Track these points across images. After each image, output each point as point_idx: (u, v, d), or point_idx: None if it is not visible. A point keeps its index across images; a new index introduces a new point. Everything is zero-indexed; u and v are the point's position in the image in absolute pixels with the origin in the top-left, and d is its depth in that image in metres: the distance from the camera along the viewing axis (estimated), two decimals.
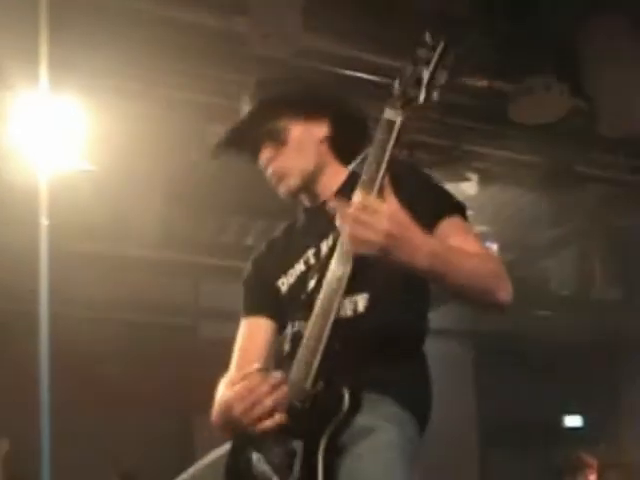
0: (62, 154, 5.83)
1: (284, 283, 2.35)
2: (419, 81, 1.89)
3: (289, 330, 2.28)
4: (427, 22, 5.55)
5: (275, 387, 1.94)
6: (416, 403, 2.15)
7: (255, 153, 2.34)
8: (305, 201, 2.42)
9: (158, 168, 6.75)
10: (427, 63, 1.90)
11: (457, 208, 2.22)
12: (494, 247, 7.97)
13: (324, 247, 2.25)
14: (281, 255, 2.41)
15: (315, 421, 1.93)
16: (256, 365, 2.07)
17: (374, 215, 1.82)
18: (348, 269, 1.93)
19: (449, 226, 2.15)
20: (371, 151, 1.91)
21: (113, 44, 5.11)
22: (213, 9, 5.12)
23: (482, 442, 10.63)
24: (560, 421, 11.43)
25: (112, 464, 7.63)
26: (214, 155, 2.46)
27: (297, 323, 2.23)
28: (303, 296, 2.22)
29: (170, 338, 8.77)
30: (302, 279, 2.28)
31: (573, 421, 11.47)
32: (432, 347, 2.29)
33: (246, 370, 2.05)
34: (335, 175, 2.37)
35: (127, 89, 5.50)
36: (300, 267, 2.32)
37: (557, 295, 9.59)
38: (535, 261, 9.28)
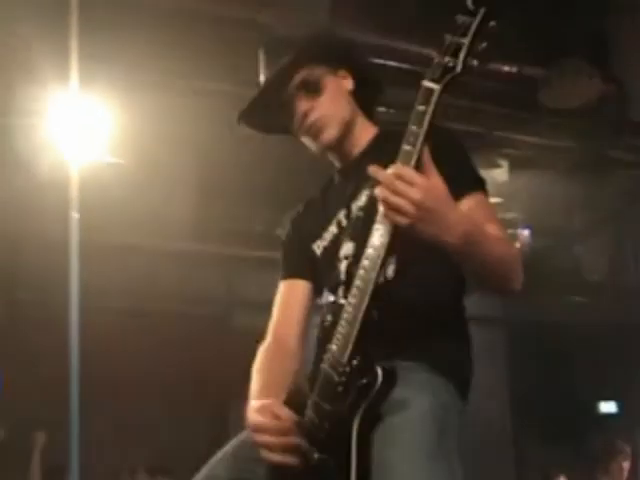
0: (92, 148, 5.86)
1: (319, 246, 2.36)
2: (458, 50, 1.86)
3: (326, 298, 2.28)
4: (457, 7, 5.55)
5: (289, 432, 1.99)
6: (452, 368, 2.14)
7: (289, 110, 2.33)
8: (336, 161, 2.42)
9: (188, 160, 6.77)
10: (466, 31, 1.86)
11: (482, 184, 2.22)
12: (525, 233, 7.93)
13: (354, 207, 2.25)
14: (317, 216, 2.41)
15: (350, 395, 1.93)
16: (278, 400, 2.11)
17: (410, 186, 1.80)
18: (387, 238, 1.89)
19: (474, 202, 2.14)
20: (410, 121, 1.87)
21: (142, 38, 5.14)
22: (241, 1, 5.13)
23: (516, 428, 10.60)
24: (595, 407, 11.36)
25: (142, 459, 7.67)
26: (241, 118, 2.47)
27: (334, 289, 2.22)
28: (336, 260, 2.23)
29: (203, 328, 8.80)
30: (335, 242, 2.29)
31: (608, 407, 11.39)
32: None
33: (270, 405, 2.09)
34: (364, 131, 2.38)
35: (156, 82, 5.53)
36: (333, 229, 2.32)
37: (590, 281, 9.53)
38: (567, 247, 9.23)
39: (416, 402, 1.96)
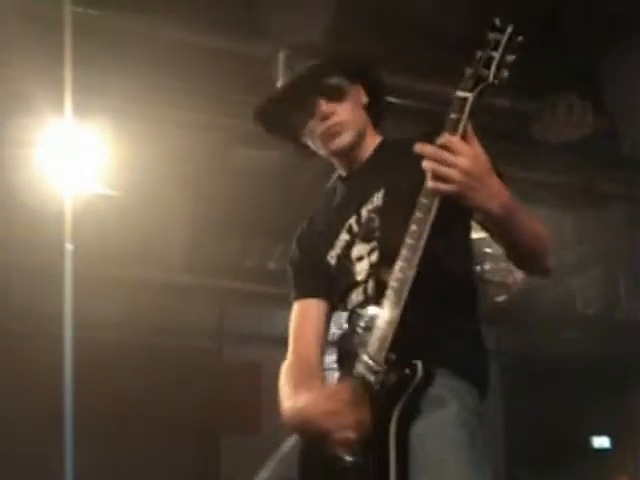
0: (86, 179, 5.86)
1: (333, 256, 2.37)
2: (489, 62, 1.96)
3: (345, 304, 2.30)
4: (452, 44, 5.58)
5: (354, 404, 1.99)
6: (474, 373, 2.18)
7: (308, 110, 2.37)
8: (340, 167, 2.47)
9: (182, 192, 6.77)
10: (496, 45, 1.97)
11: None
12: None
13: (364, 212, 2.30)
14: (324, 228, 2.44)
15: (387, 395, 1.96)
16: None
17: (457, 154, 1.89)
18: (431, 218, 1.95)
19: None
20: (445, 128, 1.96)
21: (137, 70, 5.15)
22: (233, 33, 5.16)
23: (509, 462, 10.55)
24: (588, 442, 11.32)
25: None
26: (257, 115, 2.49)
27: (348, 291, 2.27)
28: (349, 264, 2.28)
29: (195, 361, 8.77)
30: (347, 248, 2.32)
31: (601, 442, 11.35)
32: None
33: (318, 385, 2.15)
34: (372, 140, 2.45)
35: (150, 114, 5.54)
36: (344, 236, 2.34)
37: (583, 314, 9.53)
38: (561, 281, 9.23)
39: (448, 404, 2.01)
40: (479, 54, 1.99)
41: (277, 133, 2.56)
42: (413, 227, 1.97)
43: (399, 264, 1.98)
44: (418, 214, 1.97)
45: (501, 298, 8.38)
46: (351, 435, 1.98)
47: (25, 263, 7.10)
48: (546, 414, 10.24)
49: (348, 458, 2.00)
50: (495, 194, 1.94)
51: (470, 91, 1.97)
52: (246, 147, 5.90)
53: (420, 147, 1.92)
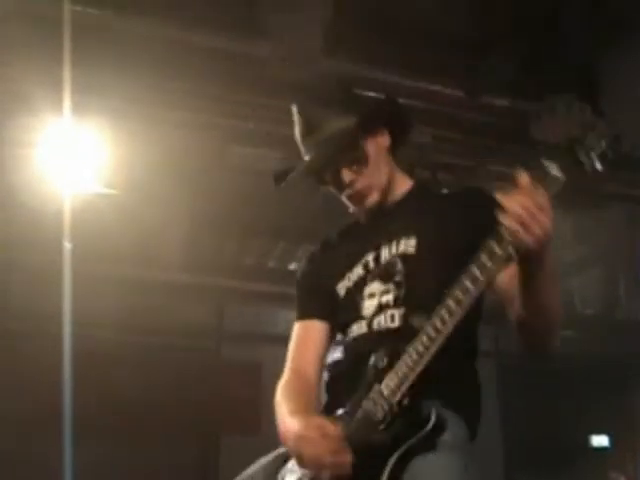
0: (85, 178, 5.87)
1: (342, 288, 2.36)
2: (589, 151, 2.02)
3: (349, 334, 2.30)
4: (451, 40, 5.59)
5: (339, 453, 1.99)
6: (467, 410, 2.19)
7: (333, 177, 2.36)
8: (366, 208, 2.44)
9: (180, 191, 6.78)
10: (600, 138, 2.05)
11: None
12: None
13: (385, 253, 2.30)
14: (339, 257, 2.43)
15: (392, 437, 1.97)
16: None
17: (542, 211, 1.86)
18: (472, 298, 1.94)
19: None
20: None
21: (135, 70, 5.15)
22: (233, 33, 5.15)
23: (507, 463, 10.55)
24: (587, 441, 11.33)
25: None
26: (288, 186, 2.42)
27: (351, 324, 2.28)
28: (359, 299, 2.27)
29: (193, 361, 8.77)
30: (359, 283, 2.31)
31: (600, 441, 11.36)
32: None
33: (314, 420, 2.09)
34: (402, 183, 2.44)
35: (148, 113, 5.54)
36: (359, 271, 2.34)
37: (582, 314, 9.54)
38: (561, 281, 9.24)
39: (444, 442, 2.00)
40: (588, 138, 2.05)
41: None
42: (451, 304, 1.95)
43: (432, 322, 1.97)
44: (458, 292, 1.95)
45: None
46: (347, 459, 1.98)
47: (25, 262, 7.11)
48: (544, 413, 10.25)
49: None
50: (546, 265, 1.95)
51: (564, 172, 2.01)
52: (244, 146, 5.90)
53: (501, 198, 1.90)
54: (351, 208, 2.41)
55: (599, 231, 8.04)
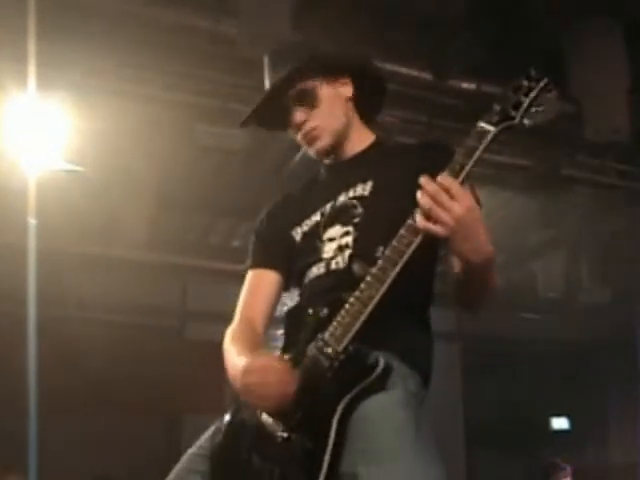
0: (50, 154, 5.82)
1: (298, 232, 2.39)
2: (518, 105, 2.06)
3: (307, 277, 2.32)
4: (419, 23, 5.60)
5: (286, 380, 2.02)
6: (419, 359, 2.22)
7: (286, 118, 2.40)
8: (327, 160, 2.48)
9: (147, 169, 6.75)
10: (528, 92, 2.07)
11: None
12: None
13: (342, 198, 2.33)
14: (298, 207, 2.45)
15: (338, 384, 2.00)
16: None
17: (453, 200, 1.92)
18: (414, 246, 1.99)
19: None
20: (457, 154, 2.01)
21: (102, 45, 5.12)
22: (202, 11, 5.13)
23: (468, 443, 10.64)
24: (547, 423, 11.45)
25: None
26: (245, 124, 2.50)
27: (311, 266, 2.30)
28: (319, 242, 2.31)
29: (157, 339, 8.77)
30: (316, 227, 2.34)
31: (560, 423, 11.50)
32: None
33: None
34: (360, 136, 2.45)
35: (116, 90, 5.50)
36: (315, 217, 2.37)
37: (544, 297, 9.62)
38: (523, 264, 9.30)
39: (392, 386, 2.04)
40: (509, 94, 2.08)
41: (270, 130, 2.60)
42: (390, 253, 2.00)
43: (373, 271, 2.02)
44: (396, 243, 2.00)
45: None
46: (290, 390, 2.00)
47: None
48: (506, 395, 10.35)
49: (281, 434, 2.02)
50: (478, 248, 2.00)
51: (494, 125, 2.04)
52: (212, 125, 5.88)
53: (424, 181, 1.95)
54: (309, 151, 2.43)
55: (564, 215, 8.09)
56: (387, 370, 2.00)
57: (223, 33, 5.13)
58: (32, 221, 4.94)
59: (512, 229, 8.28)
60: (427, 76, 5.74)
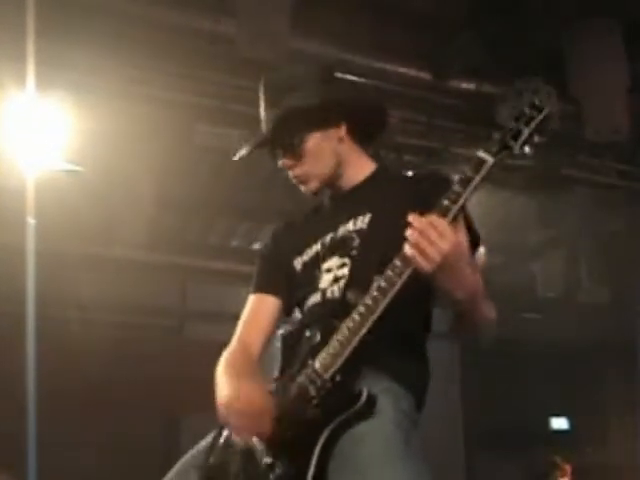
0: (50, 154, 5.81)
1: (299, 262, 2.43)
2: (518, 134, 2.06)
3: (307, 305, 2.35)
4: (419, 23, 5.59)
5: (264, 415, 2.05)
6: (412, 380, 2.23)
7: (277, 159, 2.42)
8: (329, 191, 2.49)
9: (146, 169, 6.73)
10: (528, 122, 2.07)
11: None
12: (481, 250, 7.97)
13: (341, 230, 2.35)
14: (300, 235, 2.48)
15: (323, 412, 2.03)
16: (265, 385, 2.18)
17: (441, 237, 1.94)
18: (403, 277, 2.01)
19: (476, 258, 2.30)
20: (455, 182, 2.03)
21: (102, 44, 5.11)
22: (201, 11, 5.12)
23: (468, 444, 10.64)
24: (546, 423, 11.45)
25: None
26: (239, 159, 2.51)
27: (308, 296, 2.33)
28: (317, 272, 2.34)
29: (157, 339, 8.76)
30: (316, 258, 2.37)
31: (559, 423, 11.49)
32: None
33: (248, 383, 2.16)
34: (360, 168, 2.46)
35: (116, 89, 5.49)
36: (316, 247, 2.40)
37: (544, 298, 9.61)
38: (523, 264, 9.30)
39: (384, 407, 2.06)
40: (511, 125, 2.08)
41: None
42: (382, 283, 2.02)
43: (366, 300, 2.04)
44: (389, 272, 2.02)
45: None
46: (265, 424, 2.04)
47: None
48: (505, 396, 10.34)
49: (265, 460, 2.04)
50: (466, 284, 2.02)
51: (493, 156, 2.05)
52: (210, 124, 5.87)
53: (412, 218, 1.97)
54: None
55: (563, 215, 8.08)
56: (371, 401, 2.03)
57: (223, 33, 5.12)
58: (31, 221, 4.93)
59: (511, 229, 8.28)
60: (426, 76, 5.73)
